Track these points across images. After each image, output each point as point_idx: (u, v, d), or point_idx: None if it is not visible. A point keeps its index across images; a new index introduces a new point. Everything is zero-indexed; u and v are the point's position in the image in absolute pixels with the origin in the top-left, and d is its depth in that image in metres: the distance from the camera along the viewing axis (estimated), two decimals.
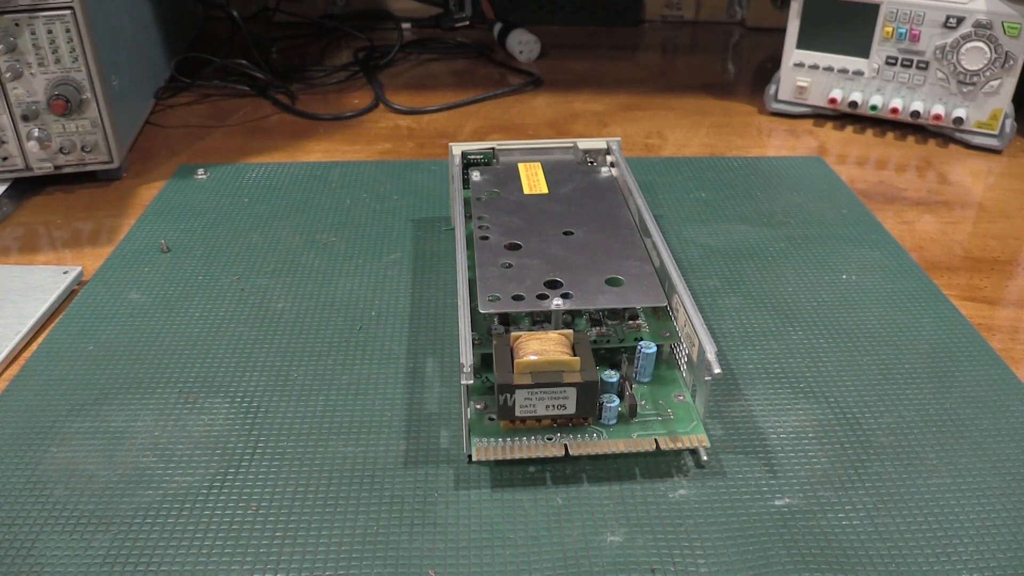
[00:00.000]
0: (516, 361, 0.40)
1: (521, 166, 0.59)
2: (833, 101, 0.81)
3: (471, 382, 0.39)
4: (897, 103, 0.78)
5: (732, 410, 0.46)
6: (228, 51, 0.95)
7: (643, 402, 0.43)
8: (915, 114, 0.78)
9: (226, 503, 0.40)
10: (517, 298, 0.45)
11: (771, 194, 0.68)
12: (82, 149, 0.67)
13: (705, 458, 0.42)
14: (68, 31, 0.63)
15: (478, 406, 0.43)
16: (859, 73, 0.79)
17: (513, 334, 0.43)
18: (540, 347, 0.41)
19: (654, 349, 0.44)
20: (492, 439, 0.41)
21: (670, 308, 0.47)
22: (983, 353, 0.50)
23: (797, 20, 0.80)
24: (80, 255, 0.61)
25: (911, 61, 0.77)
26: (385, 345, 0.51)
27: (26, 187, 0.69)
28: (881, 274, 0.58)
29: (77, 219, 0.65)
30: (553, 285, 0.46)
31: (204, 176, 0.71)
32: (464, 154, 0.60)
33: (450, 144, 0.60)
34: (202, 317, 0.53)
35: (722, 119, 0.84)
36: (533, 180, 0.57)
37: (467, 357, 0.39)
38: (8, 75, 0.63)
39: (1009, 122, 0.76)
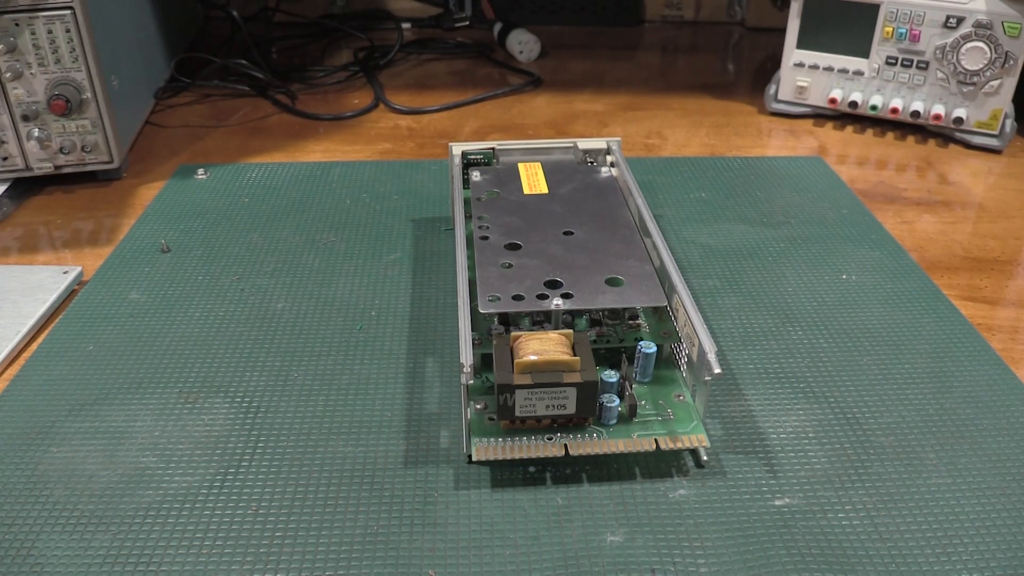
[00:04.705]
0: (516, 361, 0.40)
1: (521, 166, 0.59)
2: (833, 101, 0.81)
3: (471, 382, 0.39)
4: (897, 103, 0.78)
5: (732, 410, 0.46)
6: (228, 51, 0.95)
7: (643, 402, 0.43)
8: (915, 114, 0.78)
9: (226, 503, 0.40)
10: (517, 298, 0.45)
11: (771, 194, 0.68)
12: (82, 149, 0.67)
13: (705, 458, 0.42)
14: (68, 31, 0.63)
15: (478, 406, 0.43)
16: (859, 73, 0.79)
17: (513, 334, 0.43)
18: (540, 347, 0.41)
19: (654, 349, 0.44)
20: (492, 439, 0.41)
21: (670, 308, 0.47)
22: (983, 353, 0.50)
23: (797, 20, 0.80)
24: (80, 255, 0.61)
25: (911, 61, 0.77)
26: (385, 345, 0.51)
27: (26, 187, 0.69)
28: (881, 274, 0.58)
29: (77, 219, 0.65)
30: (553, 285, 0.46)
31: (204, 176, 0.71)
32: (464, 154, 0.60)
33: (450, 144, 0.60)
34: (202, 317, 0.53)
35: (722, 119, 0.84)
36: (533, 180, 0.57)
37: (467, 357, 0.39)
38: (8, 75, 0.63)
39: (1009, 122, 0.76)
